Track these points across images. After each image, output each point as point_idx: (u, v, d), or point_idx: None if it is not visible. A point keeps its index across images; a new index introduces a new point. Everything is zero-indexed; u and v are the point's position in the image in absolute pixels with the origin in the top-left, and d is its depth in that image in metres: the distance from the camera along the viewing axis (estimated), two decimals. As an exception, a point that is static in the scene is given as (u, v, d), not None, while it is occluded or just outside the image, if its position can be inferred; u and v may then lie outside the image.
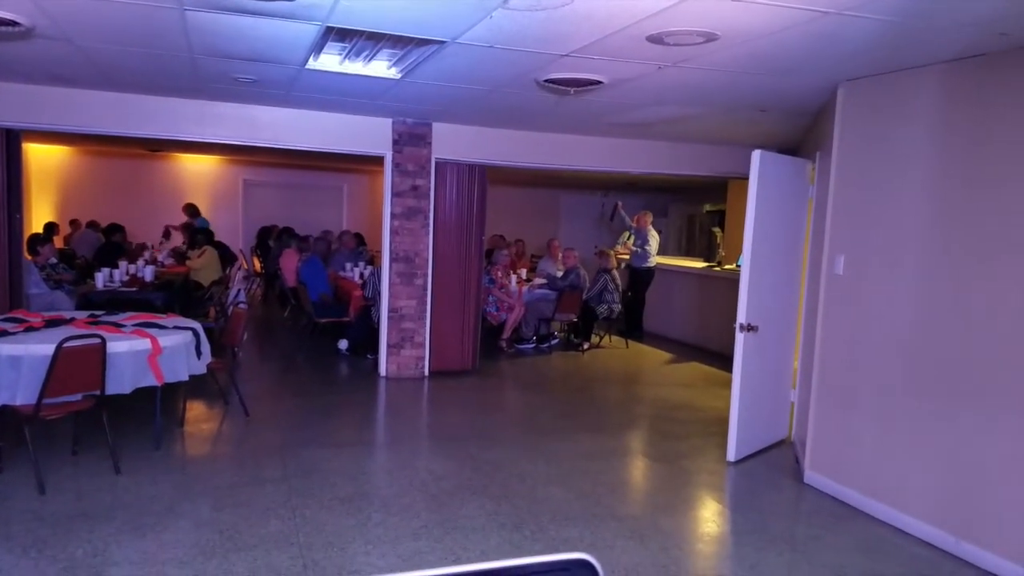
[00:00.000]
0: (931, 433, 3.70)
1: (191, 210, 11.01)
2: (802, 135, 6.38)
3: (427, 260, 6.95)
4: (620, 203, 9.73)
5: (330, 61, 4.43)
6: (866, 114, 4.17)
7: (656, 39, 3.51)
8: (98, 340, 4.05)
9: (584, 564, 0.67)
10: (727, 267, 8.95)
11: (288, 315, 10.01)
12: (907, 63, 3.78)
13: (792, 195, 4.98)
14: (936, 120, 3.72)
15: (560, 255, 9.46)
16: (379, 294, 7.12)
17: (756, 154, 4.49)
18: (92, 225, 11.02)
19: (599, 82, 4.50)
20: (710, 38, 3.46)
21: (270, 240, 11.96)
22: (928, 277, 3.74)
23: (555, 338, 8.91)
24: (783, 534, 3.78)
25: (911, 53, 3.59)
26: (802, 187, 5.07)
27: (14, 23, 3.68)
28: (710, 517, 4.06)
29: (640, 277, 9.31)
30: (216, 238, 9.91)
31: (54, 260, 7.43)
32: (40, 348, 3.97)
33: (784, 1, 2.91)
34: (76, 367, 3.97)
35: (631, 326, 9.45)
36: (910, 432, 3.81)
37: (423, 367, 7.04)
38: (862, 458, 4.10)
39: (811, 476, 4.44)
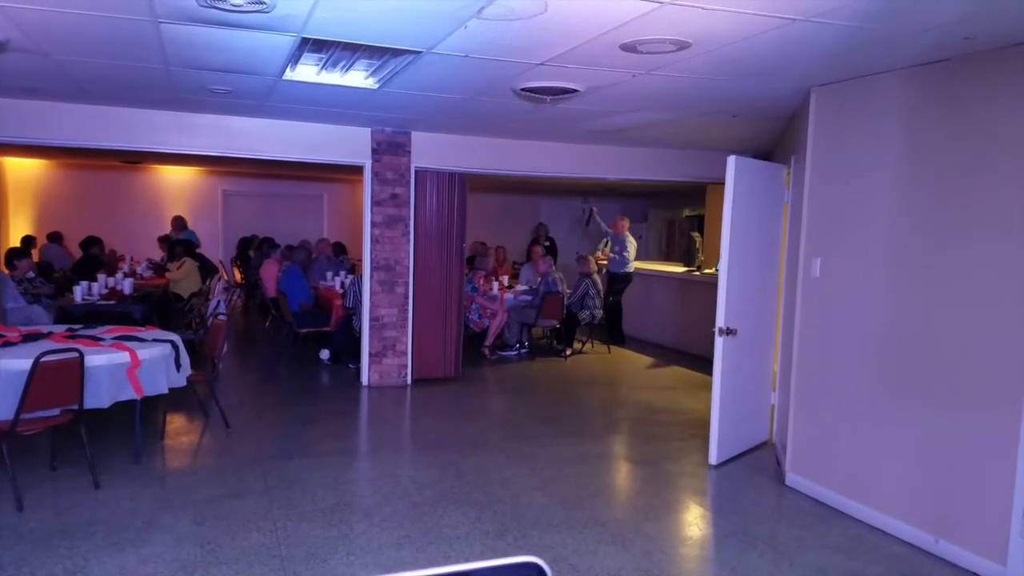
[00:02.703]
0: (906, 432, 3.76)
1: (179, 223, 10.90)
2: (777, 139, 6.48)
3: (408, 268, 6.96)
4: (595, 209, 9.78)
5: (307, 72, 4.44)
6: (838, 119, 4.25)
7: (629, 47, 3.56)
8: (76, 354, 4.01)
9: (533, 567, 0.69)
10: (707, 271, 9.04)
11: (269, 325, 9.95)
12: (876, 68, 3.86)
13: (768, 200, 5.05)
14: (904, 123, 3.80)
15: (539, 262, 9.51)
16: (360, 303, 7.11)
17: (731, 160, 4.56)
18: (54, 237, 10.76)
19: (575, 90, 4.55)
20: (682, 46, 3.52)
21: (250, 250, 11.89)
22: (899, 278, 3.82)
23: (525, 348, 8.90)
24: (764, 536, 3.82)
25: (879, 58, 3.67)
26: (778, 192, 5.15)
27: (-14, 36, 3.65)
28: (692, 520, 4.09)
29: (618, 282, 9.38)
30: (197, 250, 9.84)
31: (32, 274, 7.34)
32: (17, 363, 3.92)
33: (753, 8, 2.97)
34: (54, 382, 3.92)
35: (612, 332, 9.50)
36: (886, 432, 3.87)
37: (406, 375, 7.03)
38: (841, 459, 4.15)
39: (792, 478, 4.49)
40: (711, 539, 3.86)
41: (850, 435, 4.10)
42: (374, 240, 6.83)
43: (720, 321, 4.62)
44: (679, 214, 13.48)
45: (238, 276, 12.34)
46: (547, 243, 11.27)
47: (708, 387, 4.92)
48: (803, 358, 4.47)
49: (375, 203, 6.79)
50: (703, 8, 2.97)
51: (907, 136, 3.78)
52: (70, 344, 4.35)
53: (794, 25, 3.16)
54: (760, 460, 5.04)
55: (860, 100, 4.08)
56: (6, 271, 6.77)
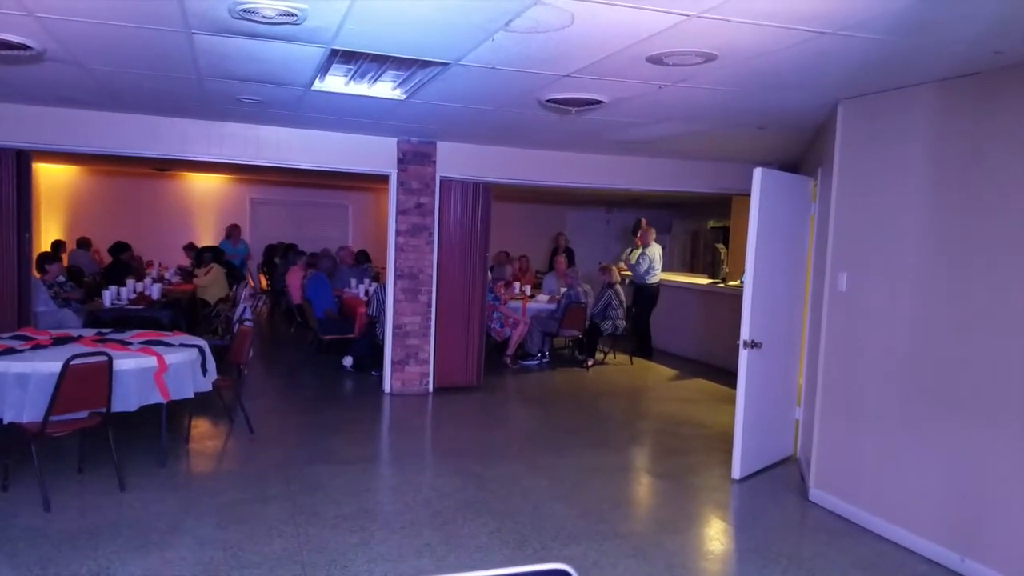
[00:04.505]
0: (934, 449, 3.68)
1: (235, 232, 11.06)
2: (803, 151, 6.42)
3: (431, 277, 6.99)
4: (644, 221, 9.67)
5: (336, 82, 4.50)
6: (865, 132, 4.20)
7: (655, 59, 3.56)
8: (105, 358, 4.08)
9: (562, 575, 0.69)
10: (731, 283, 8.96)
11: (294, 331, 10.06)
12: (904, 81, 3.82)
13: (794, 212, 5.00)
14: (933, 137, 3.75)
15: (563, 272, 9.49)
16: (383, 311, 7.16)
17: (757, 172, 4.53)
18: (82, 243, 11.01)
19: (600, 101, 4.55)
20: (708, 58, 3.51)
21: (276, 257, 12.04)
22: (927, 292, 3.75)
23: (545, 357, 8.87)
24: (787, 552, 3.76)
25: (907, 71, 3.63)
26: (804, 204, 5.10)
27: (26, 47, 3.76)
28: (714, 535, 4.04)
29: (644, 294, 9.28)
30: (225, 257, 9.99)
31: (62, 278, 7.50)
32: (47, 366, 4.01)
33: (780, 21, 2.96)
34: (83, 385, 4.00)
35: (640, 344, 9.39)
36: (914, 448, 3.80)
37: (427, 383, 7.06)
38: (866, 475, 4.08)
39: (816, 493, 4.42)
40: (733, 554, 3.81)
41: (876, 451, 4.03)
42: (398, 248, 6.88)
43: (745, 334, 4.57)
44: (703, 225, 13.39)
45: (264, 283, 12.50)
46: (565, 252, 11.24)
47: (732, 400, 4.87)
48: (829, 372, 4.40)
49: (400, 212, 6.85)
50: (730, 21, 2.96)
51: (936, 150, 3.73)
52: (99, 348, 4.44)
53: (822, 38, 3.14)
54: (784, 475, 4.96)
55: (888, 113, 4.03)
56: (37, 275, 6.93)
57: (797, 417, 5.27)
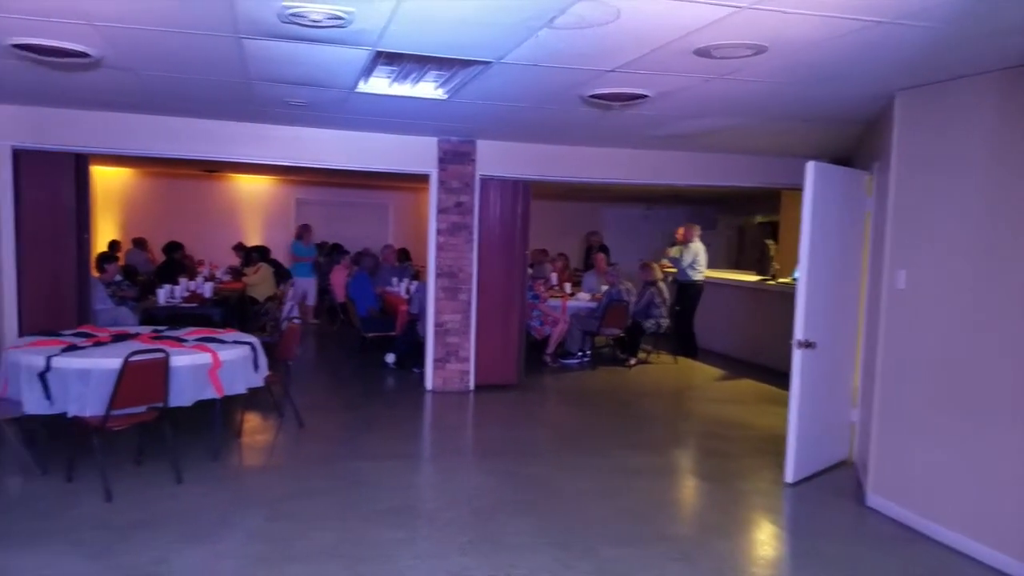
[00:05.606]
0: (998, 453, 3.52)
1: (306, 230, 11.33)
2: (855, 144, 6.22)
3: (471, 275, 7.01)
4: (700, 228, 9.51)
5: (379, 84, 4.54)
6: (924, 124, 4.04)
7: (703, 52, 3.49)
8: (162, 354, 4.21)
9: None
10: (782, 280, 8.73)
11: (337, 329, 10.21)
12: (964, 71, 3.66)
13: (849, 208, 4.84)
14: (995, 129, 3.58)
15: (604, 270, 9.40)
16: (424, 309, 7.21)
17: (810, 166, 4.40)
18: (138, 243, 11.39)
19: (644, 96, 4.49)
20: (759, 50, 3.42)
21: (321, 256, 12.24)
22: (989, 290, 3.59)
23: (586, 356, 8.80)
24: (843, 558, 3.64)
25: (968, 61, 3.48)
26: (859, 199, 4.94)
27: (84, 55, 3.89)
28: (765, 539, 3.95)
29: (687, 293, 9.12)
30: (271, 255, 10.21)
31: (119, 277, 7.77)
32: (107, 362, 4.15)
33: (836, 10, 2.86)
34: (141, 380, 4.13)
35: (683, 343, 9.26)
36: (976, 452, 3.64)
37: (468, 381, 7.08)
38: (927, 479, 3.93)
39: (873, 499, 4.28)
40: (786, 559, 3.71)
41: (937, 455, 3.87)
42: (439, 247, 6.92)
43: (798, 333, 4.45)
44: (750, 220, 13.10)
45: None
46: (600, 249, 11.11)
47: (781, 401, 4.76)
48: (887, 373, 4.25)
49: (440, 211, 6.88)
50: (783, 11, 2.88)
51: (998, 142, 3.56)
52: (156, 345, 4.57)
53: (878, 27, 3.03)
54: (839, 479, 4.82)
55: (948, 104, 3.87)
56: (96, 275, 7.18)
57: (853, 419, 5.11)
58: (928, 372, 3.95)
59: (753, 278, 9.52)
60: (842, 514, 4.25)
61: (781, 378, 6.34)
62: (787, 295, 5.64)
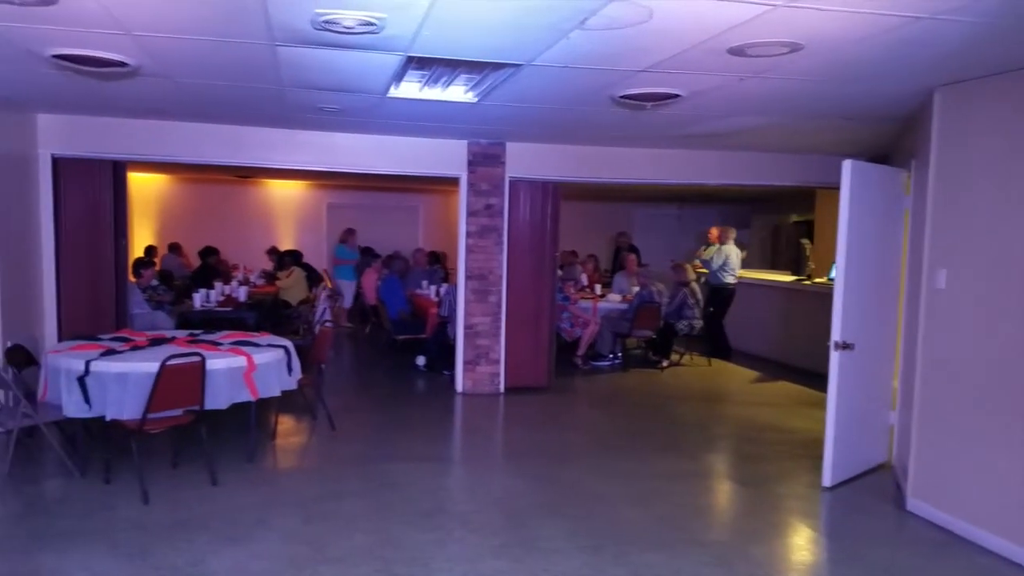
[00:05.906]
0: (1050, 460, 3.41)
1: (351, 234, 11.52)
2: (892, 142, 6.08)
3: (501, 277, 7.01)
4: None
5: (410, 88, 4.56)
6: (964, 120, 3.93)
7: (737, 51, 3.44)
8: (198, 358, 4.28)
9: None
10: (818, 280, 8.57)
11: (368, 332, 10.29)
12: (1006, 66, 3.54)
13: (886, 206, 4.73)
14: (1047, 123, 3.46)
15: (635, 272, 9.33)
16: (455, 311, 7.23)
17: (847, 164, 4.31)
18: (173, 248, 11.63)
19: (677, 96, 4.44)
20: (794, 48, 3.35)
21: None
22: (1042, 291, 3.47)
23: (617, 358, 8.73)
24: (882, 563, 3.55)
25: (1010, 56, 3.37)
26: (897, 198, 4.82)
27: (123, 64, 3.98)
28: (803, 544, 3.87)
29: (719, 296, 8.99)
30: (303, 259, 10.33)
31: (155, 282, 7.92)
32: (145, 366, 4.22)
33: (873, 7, 2.79)
34: (178, 384, 4.20)
35: (716, 346, 9.13)
36: (1020, 456, 3.53)
37: (498, 383, 7.08)
38: (969, 484, 3.82)
39: (913, 503, 4.17)
40: (824, 565, 3.63)
41: (979, 458, 3.76)
42: (468, 250, 6.93)
43: (836, 335, 4.36)
44: (785, 220, 12.87)
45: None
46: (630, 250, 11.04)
47: (818, 404, 4.67)
48: (927, 375, 4.14)
49: (470, 213, 6.90)
50: (819, 8, 2.82)
51: (1050, 135, 3.45)
52: (192, 348, 4.65)
53: (918, 23, 2.95)
54: (878, 483, 4.71)
55: (989, 100, 3.76)
56: (133, 280, 7.34)
57: (892, 422, 4.99)
58: (970, 373, 3.84)
59: (788, 278, 9.37)
60: (881, 519, 4.15)
61: (817, 380, 6.22)
62: (823, 295, 5.49)
